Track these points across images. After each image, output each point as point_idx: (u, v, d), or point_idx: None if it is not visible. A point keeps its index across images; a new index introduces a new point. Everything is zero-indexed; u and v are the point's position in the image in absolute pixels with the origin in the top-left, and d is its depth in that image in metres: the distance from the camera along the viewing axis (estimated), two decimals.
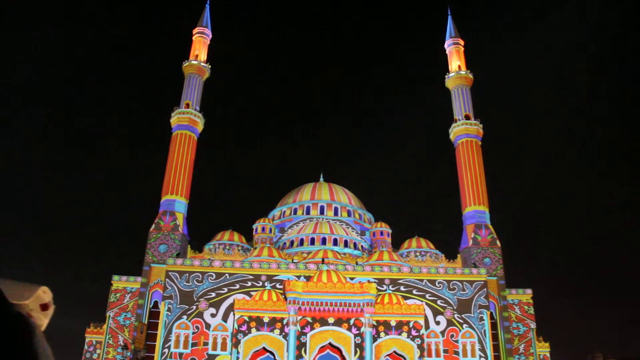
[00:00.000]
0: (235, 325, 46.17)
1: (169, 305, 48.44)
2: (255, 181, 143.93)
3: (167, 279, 49.52)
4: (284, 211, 70.62)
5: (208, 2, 74.52)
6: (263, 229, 63.47)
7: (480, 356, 48.62)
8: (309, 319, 46.30)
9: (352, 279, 50.37)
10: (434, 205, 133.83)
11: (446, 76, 70.99)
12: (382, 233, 63.50)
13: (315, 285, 46.86)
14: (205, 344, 47.39)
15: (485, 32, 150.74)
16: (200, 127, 64.47)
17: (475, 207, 60.82)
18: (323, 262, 52.00)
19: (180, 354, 46.72)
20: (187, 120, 62.82)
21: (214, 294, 49.16)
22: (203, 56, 69.91)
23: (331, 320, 46.31)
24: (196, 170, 62.44)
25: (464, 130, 65.17)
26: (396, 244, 63.80)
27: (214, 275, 49.79)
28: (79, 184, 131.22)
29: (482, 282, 51.69)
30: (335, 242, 61.70)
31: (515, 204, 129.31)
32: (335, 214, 68.91)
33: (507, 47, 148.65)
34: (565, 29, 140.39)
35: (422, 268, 52.15)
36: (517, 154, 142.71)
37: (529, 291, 59.67)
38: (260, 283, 49.83)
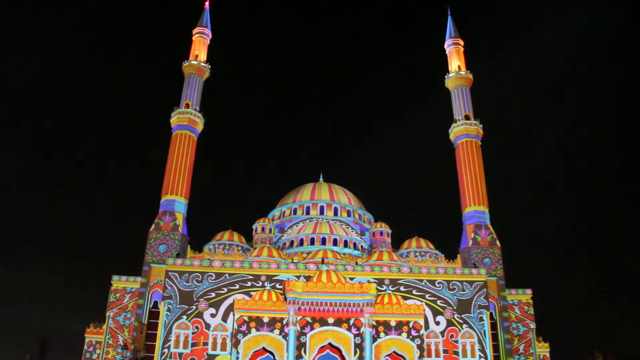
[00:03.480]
0: (235, 326, 46.21)
1: (169, 305, 48.47)
2: (255, 181, 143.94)
3: (166, 279, 49.54)
4: (284, 211, 70.64)
5: (208, 3, 74.65)
6: (263, 229, 63.50)
7: (480, 356, 48.65)
8: (309, 319, 46.33)
9: (352, 279, 50.41)
10: (434, 205, 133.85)
11: (446, 76, 71.06)
12: (381, 233, 63.53)
13: (315, 285, 46.89)
14: (205, 344, 47.41)
15: (485, 32, 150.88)
16: (200, 127, 64.52)
17: (475, 207, 60.87)
18: (323, 262, 52.03)
19: (180, 354, 46.73)
20: (187, 120, 62.87)
21: (213, 294, 49.18)
22: (203, 56, 70.00)
23: (331, 320, 46.34)
24: (196, 170, 62.52)
25: (464, 131, 65.22)
26: (396, 244, 63.84)
27: (214, 276, 49.83)
28: (78, 184, 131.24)
29: (482, 283, 51.70)
30: (335, 242, 61.73)
31: (515, 204, 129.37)
32: (335, 214, 68.93)
33: (507, 47, 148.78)
34: (566, 28, 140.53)
35: (421, 268, 52.17)
36: (517, 154, 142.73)
37: (529, 291, 59.71)
38: (260, 283, 49.86)
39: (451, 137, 67.06)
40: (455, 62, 71.86)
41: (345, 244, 62.33)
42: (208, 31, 72.33)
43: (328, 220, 66.32)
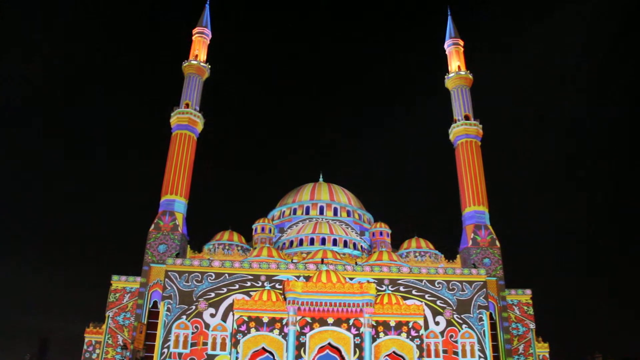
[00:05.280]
0: (235, 326, 46.22)
1: (169, 305, 48.47)
2: (255, 181, 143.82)
3: (166, 279, 49.54)
4: (284, 211, 70.65)
5: (208, 3, 74.68)
6: (262, 229, 63.51)
7: (480, 356, 48.66)
8: (309, 319, 46.34)
9: (351, 279, 50.41)
10: (433, 205, 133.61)
11: (446, 76, 71.07)
12: (381, 233, 63.53)
13: (314, 285, 46.90)
14: (205, 344, 47.41)
15: (485, 32, 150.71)
16: (200, 127, 64.54)
17: (474, 207, 60.88)
18: (322, 262, 52.03)
19: (180, 354, 46.73)
20: (186, 120, 62.89)
21: (213, 294, 49.19)
22: (203, 56, 70.01)
23: (330, 320, 46.35)
24: (196, 170, 62.52)
25: (464, 131, 65.23)
26: (396, 244, 63.85)
27: (214, 276, 49.83)
28: (78, 184, 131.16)
29: (482, 283, 51.72)
30: (334, 242, 61.74)
31: (515, 204, 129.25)
32: (335, 214, 68.94)
33: (507, 47, 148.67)
34: (566, 29, 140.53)
35: (421, 268, 52.19)
36: (517, 154, 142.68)
37: (529, 291, 59.74)
38: (260, 283, 49.86)
39: (451, 137, 67.06)
40: (455, 62, 71.87)
41: (345, 244, 62.34)
42: (208, 31, 72.33)
43: (328, 220, 66.33)
